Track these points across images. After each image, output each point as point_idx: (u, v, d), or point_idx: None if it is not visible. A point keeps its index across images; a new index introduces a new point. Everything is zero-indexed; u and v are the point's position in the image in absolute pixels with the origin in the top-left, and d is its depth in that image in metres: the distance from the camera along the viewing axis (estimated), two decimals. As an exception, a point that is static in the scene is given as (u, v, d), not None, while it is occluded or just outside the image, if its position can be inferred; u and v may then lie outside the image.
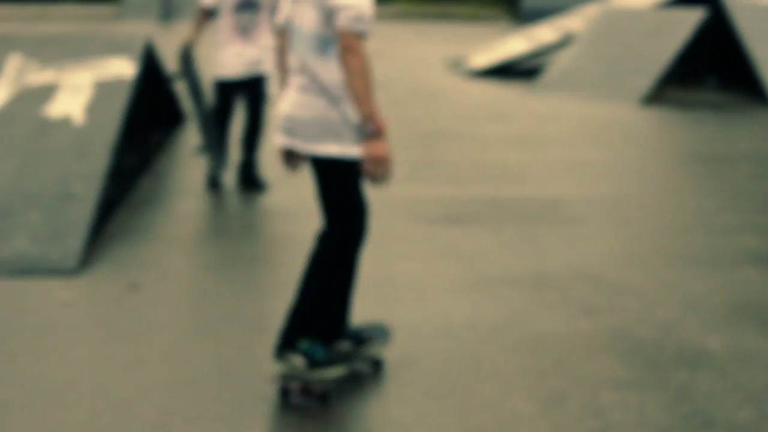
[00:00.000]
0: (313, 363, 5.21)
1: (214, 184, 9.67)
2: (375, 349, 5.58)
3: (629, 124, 13.82)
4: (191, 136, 12.17)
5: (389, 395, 5.30)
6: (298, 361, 5.20)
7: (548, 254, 7.82)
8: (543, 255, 7.80)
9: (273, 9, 9.53)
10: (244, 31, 9.53)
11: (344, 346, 5.37)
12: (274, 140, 5.28)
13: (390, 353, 5.81)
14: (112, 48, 10.08)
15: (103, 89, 9.29)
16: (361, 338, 5.48)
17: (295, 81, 5.18)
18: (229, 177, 10.05)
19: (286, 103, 5.20)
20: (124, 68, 9.63)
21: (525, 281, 7.16)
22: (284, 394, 5.24)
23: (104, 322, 6.33)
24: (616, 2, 20.28)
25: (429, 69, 19.51)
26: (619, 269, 7.45)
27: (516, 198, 9.53)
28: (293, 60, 5.18)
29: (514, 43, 20.26)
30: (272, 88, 9.75)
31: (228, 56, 9.54)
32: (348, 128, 5.04)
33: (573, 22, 20.00)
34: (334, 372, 5.26)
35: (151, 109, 10.93)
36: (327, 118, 5.05)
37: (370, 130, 5.00)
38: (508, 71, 19.16)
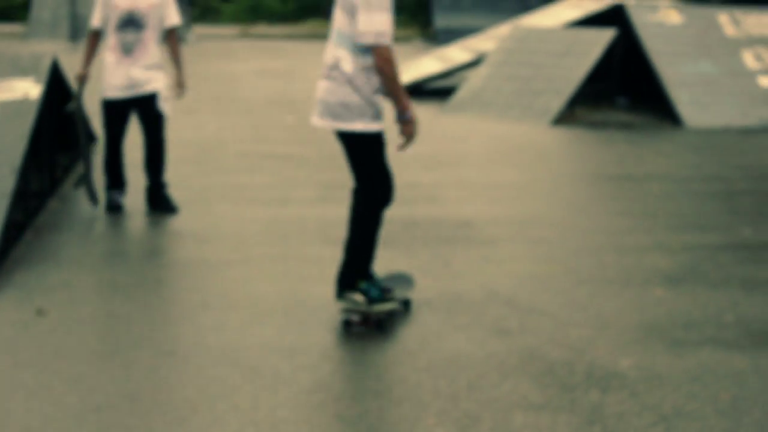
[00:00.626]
0: (371, 300, 6.60)
1: (111, 207, 9.56)
2: (404, 293, 7.02)
3: (541, 144, 13.91)
4: (100, 158, 12.02)
5: (301, 419, 5.24)
6: (359, 297, 6.63)
7: (461, 276, 7.82)
8: (455, 276, 7.80)
9: (159, 27, 9.47)
10: (129, 50, 9.44)
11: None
12: (312, 122, 6.76)
13: (300, 377, 5.76)
14: (18, 68, 9.93)
15: (8, 110, 9.14)
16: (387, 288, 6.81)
17: (326, 71, 6.54)
18: (138, 200, 9.92)
19: (319, 90, 6.62)
20: (30, 89, 9.48)
21: (437, 303, 7.14)
22: (347, 324, 6.64)
23: (10, 348, 6.20)
24: (527, 22, 20.44)
25: (342, 89, 19.49)
26: (531, 290, 7.47)
27: (428, 219, 9.53)
28: (327, 53, 6.52)
29: (427, 64, 20.33)
30: (166, 105, 9.62)
31: (112, 76, 9.43)
32: (370, 109, 6.60)
33: (485, 42, 20.12)
34: (388, 306, 6.70)
35: (59, 131, 10.76)
36: (351, 102, 6.51)
37: (407, 116, 6.70)
38: (420, 91, 19.20)
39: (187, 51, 27.08)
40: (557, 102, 16.08)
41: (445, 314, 6.91)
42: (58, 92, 10.66)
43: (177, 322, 6.69)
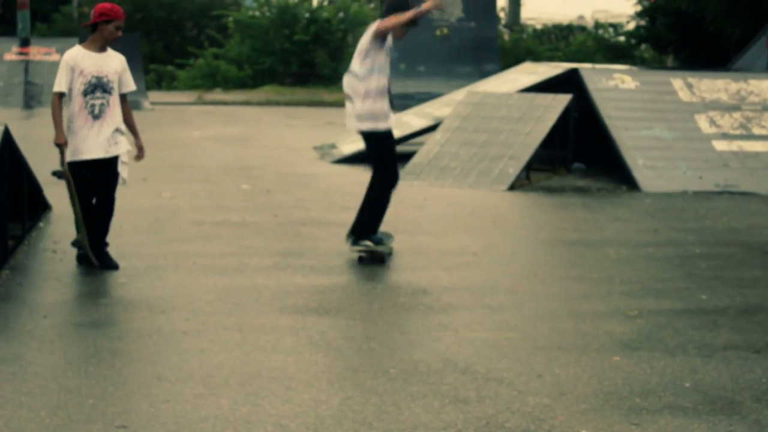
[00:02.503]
0: (376, 242, 10.52)
1: (112, 266, 9.97)
2: (390, 243, 10.81)
3: (497, 210, 13.93)
4: (55, 227, 11.93)
5: (255, 495, 5.16)
6: (368, 242, 10.53)
7: (418, 343, 7.77)
8: (412, 344, 7.75)
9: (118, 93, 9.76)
10: (98, 114, 9.54)
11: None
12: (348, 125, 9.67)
13: (256, 450, 5.68)
14: (-31, 138, 9.85)
15: (-40, 181, 9.06)
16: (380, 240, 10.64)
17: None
18: (89, 270, 9.84)
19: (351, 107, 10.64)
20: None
21: (394, 372, 7.09)
22: (360, 260, 10.56)
23: (-42, 423, 6.08)
24: (482, 88, 20.55)
25: (298, 155, 19.50)
26: (489, 358, 7.43)
27: (385, 286, 9.49)
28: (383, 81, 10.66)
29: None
30: (125, 169, 9.80)
31: (86, 139, 9.55)
32: (383, 115, 10.67)
33: (441, 108, 20.21)
34: (388, 245, 10.68)
35: (11, 201, 10.66)
36: (367, 110, 10.49)
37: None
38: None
39: (142, 117, 27.06)
40: (514, 167, 16.14)
41: (402, 383, 6.85)
42: (9, 160, 10.57)
43: (130, 394, 6.59)
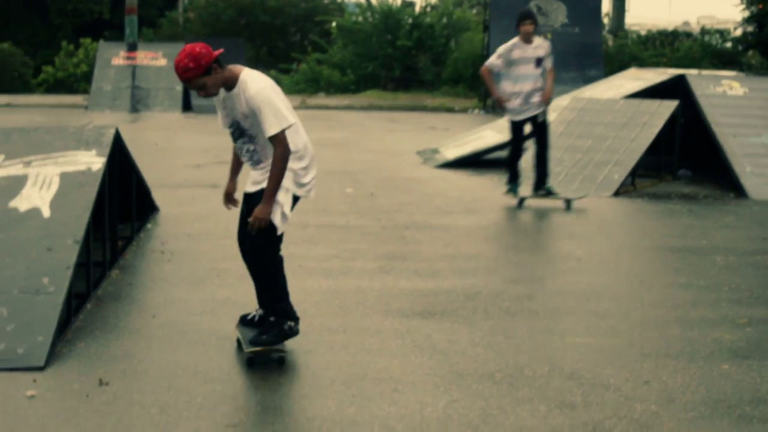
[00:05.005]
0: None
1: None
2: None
3: (603, 216, 13.82)
4: (162, 229, 12.10)
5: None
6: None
7: (523, 348, 7.75)
8: (518, 349, 7.73)
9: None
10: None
11: None
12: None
13: (363, 451, 5.71)
14: (81, 141, 10.02)
15: (71, 182, 9.22)
16: None
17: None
18: (197, 271, 9.95)
19: None
20: (93, 161, 9.57)
21: (500, 376, 7.08)
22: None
23: (72, 419, 6.20)
24: (587, 94, 20.39)
25: (401, 160, 19.53)
26: (595, 364, 7.38)
27: (490, 291, 9.47)
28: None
29: (486, 135, 20.33)
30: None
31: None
32: None
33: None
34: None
35: (121, 203, 10.84)
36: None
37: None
38: (479, 162, 19.21)
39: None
40: (619, 173, 15.99)
41: (508, 387, 6.84)
42: (122, 164, 10.75)
43: (239, 394, 6.67)
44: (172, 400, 6.53)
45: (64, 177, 9.33)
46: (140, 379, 6.94)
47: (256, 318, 7.57)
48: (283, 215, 7.19)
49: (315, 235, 12.06)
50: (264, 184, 7.14)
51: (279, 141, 6.94)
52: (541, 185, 14.41)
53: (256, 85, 6.98)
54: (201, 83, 6.93)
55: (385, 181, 16.59)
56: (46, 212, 8.82)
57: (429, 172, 18.19)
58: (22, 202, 8.95)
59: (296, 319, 7.38)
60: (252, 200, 7.25)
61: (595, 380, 7.02)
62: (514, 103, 14.07)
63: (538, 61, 14.15)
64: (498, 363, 7.38)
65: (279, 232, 7.22)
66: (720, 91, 18.09)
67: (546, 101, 14.17)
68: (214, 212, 12.51)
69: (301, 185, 7.30)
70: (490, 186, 16.25)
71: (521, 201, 14.46)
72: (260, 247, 7.18)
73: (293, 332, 7.33)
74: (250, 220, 7.06)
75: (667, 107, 17.14)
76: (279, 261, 7.37)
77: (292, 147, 7.06)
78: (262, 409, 6.38)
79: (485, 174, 17.71)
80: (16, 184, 9.25)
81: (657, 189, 16.58)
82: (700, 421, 6.29)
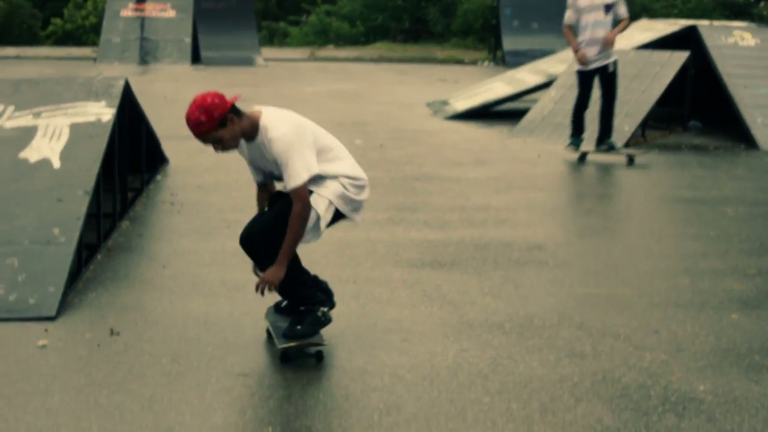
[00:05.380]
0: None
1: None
2: None
3: (611, 168, 13.79)
4: (172, 180, 12.10)
5: (373, 443, 5.22)
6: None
7: (532, 298, 7.76)
8: (527, 299, 7.74)
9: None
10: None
11: None
12: None
13: (374, 398, 5.74)
14: (90, 92, 10.01)
15: (81, 133, 9.22)
16: None
17: None
18: (220, 222, 9.97)
19: None
20: (102, 112, 9.57)
21: (509, 326, 7.09)
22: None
23: (84, 368, 6.23)
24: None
25: (410, 112, 19.49)
26: (604, 313, 7.39)
27: (500, 242, 9.47)
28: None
29: (496, 86, 20.27)
30: None
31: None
32: None
33: (555, 65, 20.02)
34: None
35: (130, 154, 10.84)
36: None
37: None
38: (489, 114, 19.17)
39: (255, 74, 27.27)
40: (629, 125, 15.93)
41: (517, 337, 6.85)
42: (131, 116, 10.74)
43: (249, 344, 6.69)
44: (183, 350, 6.55)
45: (74, 128, 9.33)
46: (151, 328, 6.97)
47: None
48: (316, 228, 6.27)
49: (325, 186, 12.04)
50: None
51: (297, 196, 6.07)
52: (603, 140, 14.21)
53: (276, 131, 6.10)
54: (217, 137, 6.12)
55: (394, 133, 16.56)
56: (57, 163, 8.82)
57: (439, 123, 18.15)
58: (32, 153, 8.96)
59: (328, 303, 6.56)
60: (282, 195, 6.36)
61: (605, 330, 7.03)
62: (585, 52, 13.77)
63: (607, 8, 13.83)
64: (507, 313, 7.39)
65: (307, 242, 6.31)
66: (731, 41, 17.98)
67: (607, 45, 13.74)
68: (224, 164, 12.51)
69: (349, 201, 6.40)
70: (500, 137, 16.23)
71: (583, 156, 14.29)
72: (272, 233, 6.24)
73: (327, 319, 6.48)
74: (257, 281, 6.36)
75: (678, 58, 17.05)
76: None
77: (349, 171, 6.37)
78: (272, 358, 6.41)
79: (495, 125, 17.67)
80: (26, 135, 9.25)
81: (667, 140, 16.54)
82: (708, 370, 6.30)
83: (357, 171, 6.45)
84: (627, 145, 15.45)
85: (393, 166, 13.37)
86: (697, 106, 18.24)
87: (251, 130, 6.21)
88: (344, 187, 6.34)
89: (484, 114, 18.96)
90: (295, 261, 6.36)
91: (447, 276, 8.32)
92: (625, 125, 15.91)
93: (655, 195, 12.15)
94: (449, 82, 25.46)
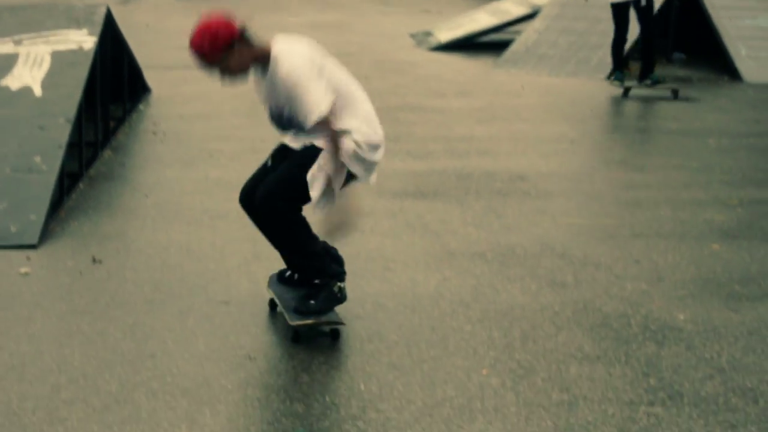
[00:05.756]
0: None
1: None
2: None
3: (595, 99, 13.78)
4: (155, 110, 12.05)
5: (355, 368, 5.25)
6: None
7: (514, 228, 7.78)
8: (509, 229, 7.76)
9: None
10: None
11: None
12: None
13: (356, 326, 5.76)
14: (72, 20, 9.94)
15: (63, 61, 9.16)
16: None
17: None
18: (189, 151, 9.94)
19: None
20: (84, 40, 9.50)
21: (491, 255, 7.11)
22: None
23: (66, 295, 6.25)
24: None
25: (394, 42, 19.38)
26: (586, 243, 7.42)
27: (482, 172, 9.47)
28: None
29: (481, 17, 20.17)
30: None
31: None
32: None
33: (539, -4, 19.93)
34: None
35: (112, 83, 10.78)
36: None
37: None
38: (473, 45, 19.08)
39: (237, 4, 27.07)
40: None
41: (499, 266, 6.88)
42: (112, 43, 10.67)
43: (231, 272, 6.70)
44: (165, 278, 6.56)
45: (56, 56, 9.28)
46: (133, 257, 6.98)
47: (296, 276, 5.99)
48: (325, 194, 5.61)
49: (308, 116, 12.00)
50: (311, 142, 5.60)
51: (322, 131, 5.51)
52: (646, 75, 13.93)
53: (287, 63, 5.41)
54: (223, 66, 5.48)
55: (378, 64, 16.49)
56: (38, 91, 8.78)
57: (422, 54, 18.07)
58: (13, 81, 8.90)
59: (343, 276, 5.83)
60: (288, 154, 5.76)
61: (586, 259, 7.06)
62: None
63: None
64: (489, 242, 7.41)
65: (311, 202, 5.57)
66: (716, -27, 17.89)
67: None
68: (206, 94, 12.46)
69: (362, 161, 5.68)
70: (484, 68, 16.17)
71: (626, 91, 14.04)
72: (276, 198, 5.59)
73: (344, 295, 5.79)
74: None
75: (662, -11, 16.95)
76: (295, 214, 5.66)
77: (364, 127, 5.65)
78: (255, 285, 6.42)
79: (479, 57, 17.60)
80: (7, 62, 9.19)
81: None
82: (688, 299, 6.34)
83: (372, 126, 5.72)
84: (609, 77, 15.40)
85: (377, 97, 13.27)
86: (682, 37, 18.19)
87: (262, 60, 5.51)
88: (357, 145, 5.60)
89: (468, 45, 18.87)
90: (305, 229, 5.67)
91: (429, 206, 8.33)
92: (609, 57, 15.86)
93: (637, 126, 12.16)
94: (433, 13, 25.31)
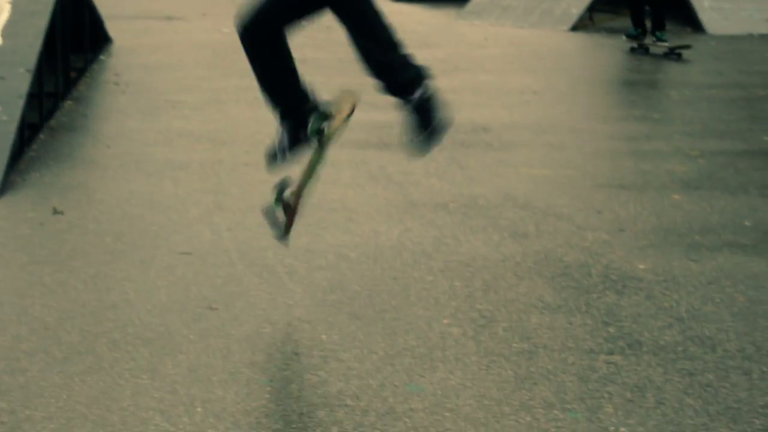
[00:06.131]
0: None
1: None
2: None
3: (559, 50, 13.79)
4: (116, 60, 11.97)
5: (317, 318, 5.25)
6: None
7: (477, 179, 7.79)
8: (472, 180, 7.77)
9: None
10: None
11: None
12: None
13: (317, 277, 5.77)
14: (33, -32, 9.84)
15: (22, 10, 9.09)
16: None
17: None
18: (147, 106, 9.89)
19: None
20: (45, -11, 9.42)
21: (453, 206, 7.12)
22: None
23: (27, 246, 6.22)
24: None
25: (358, -6, 19.30)
26: (548, 194, 7.44)
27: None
28: None
29: (445, -31, 20.10)
30: None
31: None
32: None
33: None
34: None
35: (73, 33, 10.68)
36: None
37: None
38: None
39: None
40: (577, 7, 15.89)
41: (462, 217, 6.89)
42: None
43: (193, 223, 6.69)
44: (126, 229, 6.54)
45: (15, 4, 9.20)
46: (95, 207, 6.95)
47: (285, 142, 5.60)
48: None
49: (270, 67, 11.94)
50: None
51: None
52: (653, 32, 13.49)
53: None
54: None
55: (341, 15, 16.39)
56: (-3, 41, 8.70)
57: (385, 5, 17.82)
58: (-29, 31, 8.82)
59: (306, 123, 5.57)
60: None
61: (548, 210, 7.08)
62: None
63: None
64: (452, 193, 7.42)
65: None
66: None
67: None
68: (169, 44, 12.40)
69: None
70: (447, 20, 16.14)
71: (633, 48, 13.65)
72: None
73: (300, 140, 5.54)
74: None
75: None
76: (266, 36, 5.39)
77: None
78: (217, 236, 6.41)
79: (442, 8, 17.56)
80: (-34, 12, 9.10)
81: (614, 24, 16.49)
82: (649, 249, 6.37)
83: None
84: (574, 28, 15.41)
85: (339, 48, 13.21)
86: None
87: None
88: None
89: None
90: (262, 52, 5.44)
91: (392, 156, 8.31)
92: (572, 8, 15.88)
93: (601, 78, 12.18)
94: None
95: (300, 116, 5.58)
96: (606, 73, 12.45)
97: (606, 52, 13.87)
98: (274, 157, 5.62)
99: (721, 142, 9.12)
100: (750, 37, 15.60)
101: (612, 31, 15.69)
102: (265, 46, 5.38)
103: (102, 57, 12.03)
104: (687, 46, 13.48)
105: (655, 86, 11.50)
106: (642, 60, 13.21)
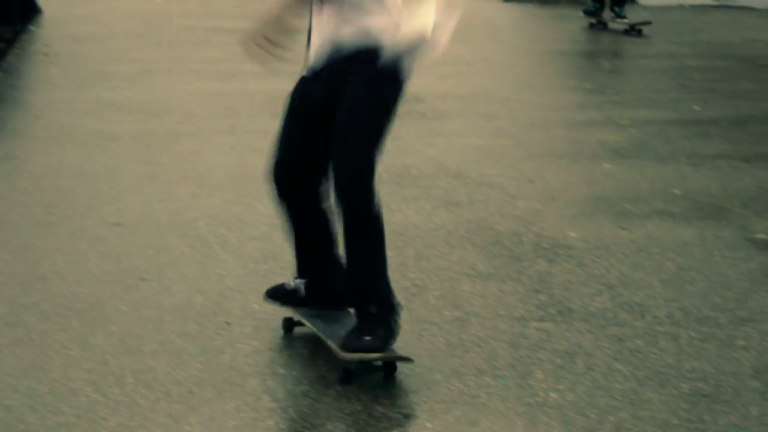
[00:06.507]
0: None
1: None
2: None
3: (492, 21, 13.82)
4: (46, 31, 11.83)
5: (249, 288, 5.23)
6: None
7: (410, 149, 7.80)
8: (404, 150, 7.77)
9: None
10: None
11: None
12: None
13: (250, 247, 5.75)
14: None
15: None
16: None
17: None
18: (77, 71, 9.79)
19: None
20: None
21: (386, 176, 7.11)
22: None
23: (-46, 218, 6.15)
24: None
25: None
26: (480, 164, 7.47)
27: (378, 93, 9.45)
28: None
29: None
30: None
31: None
32: None
33: None
34: None
35: (1, 4, 10.55)
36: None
37: None
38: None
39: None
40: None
41: (394, 187, 6.90)
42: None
43: (123, 193, 6.63)
44: (57, 200, 6.48)
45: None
46: (24, 179, 6.87)
47: (302, 290, 4.68)
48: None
49: (202, 37, 11.90)
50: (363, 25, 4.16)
51: None
52: (612, 8, 13.51)
53: None
54: None
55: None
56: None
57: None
58: None
59: (399, 307, 4.43)
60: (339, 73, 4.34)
61: (480, 179, 7.11)
62: None
63: None
64: (384, 163, 7.32)
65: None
66: None
67: None
68: (100, 14, 12.27)
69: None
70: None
71: (592, 24, 13.61)
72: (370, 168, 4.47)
73: (399, 328, 4.36)
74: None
75: None
76: (377, 202, 4.59)
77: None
78: (148, 207, 6.37)
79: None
80: None
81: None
82: (581, 217, 6.42)
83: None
84: (508, -1, 15.43)
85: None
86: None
87: None
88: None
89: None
90: (380, 238, 4.62)
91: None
92: (506, -22, 15.89)
93: (534, 48, 12.22)
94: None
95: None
96: (539, 44, 12.49)
97: (539, 22, 13.93)
98: (276, 299, 4.82)
99: (652, 111, 9.20)
100: (681, 7, 15.75)
101: (545, 1, 15.75)
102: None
103: (31, 27, 11.89)
104: (647, 23, 13.51)
105: (587, 56, 11.57)
106: (574, 31, 13.27)
